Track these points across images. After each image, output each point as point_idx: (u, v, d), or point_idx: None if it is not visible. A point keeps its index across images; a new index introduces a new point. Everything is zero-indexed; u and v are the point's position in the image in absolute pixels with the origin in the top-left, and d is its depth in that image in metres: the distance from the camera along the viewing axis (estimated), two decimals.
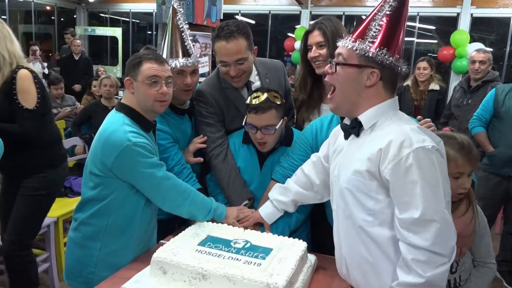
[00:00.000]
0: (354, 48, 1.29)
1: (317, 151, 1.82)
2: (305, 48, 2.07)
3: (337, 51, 1.35)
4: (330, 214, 1.81)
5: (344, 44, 1.33)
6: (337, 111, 1.42)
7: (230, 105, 2.07)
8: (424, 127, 1.60)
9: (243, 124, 1.90)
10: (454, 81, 6.52)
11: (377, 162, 1.25)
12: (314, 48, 2.00)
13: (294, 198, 1.78)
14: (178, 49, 1.92)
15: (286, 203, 1.79)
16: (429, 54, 7.75)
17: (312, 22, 2.06)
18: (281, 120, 1.88)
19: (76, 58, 7.09)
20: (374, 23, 1.30)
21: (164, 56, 1.91)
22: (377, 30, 1.29)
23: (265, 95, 1.83)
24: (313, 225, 2.04)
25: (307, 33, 2.05)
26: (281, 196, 1.79)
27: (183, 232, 1.67)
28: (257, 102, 1.82)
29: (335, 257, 1.49)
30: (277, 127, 1.84)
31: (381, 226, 1.28)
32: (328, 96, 1.39)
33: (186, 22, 1.98)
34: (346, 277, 1.43)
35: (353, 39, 1.31)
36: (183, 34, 1.94)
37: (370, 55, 1.28)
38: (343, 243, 1.40)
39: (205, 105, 2.04)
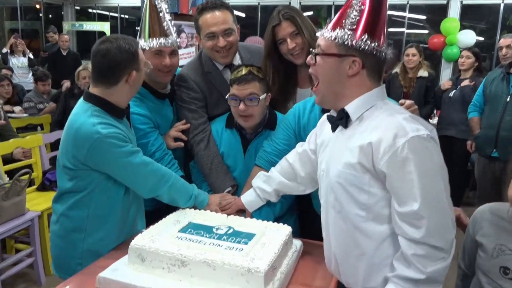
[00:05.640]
0: (333, 38, 1.23)
1: (300, 135, 1.78)
2: (274, 43, 1.97)
3: (317, 42, 1.29)
4: (316, 204, 1.77)
5: (323, 34, 1.27)
6: (322, 104, 1.37)
7: (213, 90, 2.02)
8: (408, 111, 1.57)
9: (227, 97, 1.85)
10: (445, 69, 6.50)
11: (369, 155, 1.18)
12: (288, 40, 1.91)
13: (277, 187, 1.73)
14: (155, 29, 1.85)
15: (269, 192, 1.74)
16: (421, 44, 7.71)
17: (274, 15, 1.95)
18: (265, 94, 1.84)
19: (64, 53, 7.01)
20: (352, 9, 1.22)
21: (142, 37, 1.86)
22: (355, 16, 1.22)
23: (248, 68, 1.82)
24: (300, 211, 1.99)
25: (274, 28, 1.94)
26: (264, 185, 1.74)
27: (164, 219, 1.62)
28: (240, 74, 1.80)
29: (324, 249, 1.44)
30: (261, 97, 1.81)
31: (375, 221, 1.22)
32: (313, 89, 1.34)
33: (165, 3, 1.92)
34: (335, 273, 1.38)
35: (331, 28, 1.25)
36: (160, 14, 1.88)
37: (350, 43, 1.21)
38: (332, 240, 1.34)
39: (187, 90, 1.99)
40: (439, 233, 1.13)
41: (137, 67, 1.61)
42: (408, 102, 1.64)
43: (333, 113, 1.35)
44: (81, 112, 1.57)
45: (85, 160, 1.54)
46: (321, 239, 1.50)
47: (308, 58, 1.31)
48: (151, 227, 1.54)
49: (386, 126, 1.17)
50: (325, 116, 1.44)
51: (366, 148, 1.19)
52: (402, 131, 1.14)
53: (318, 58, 1.27)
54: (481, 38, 7.41)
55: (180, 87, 2.00)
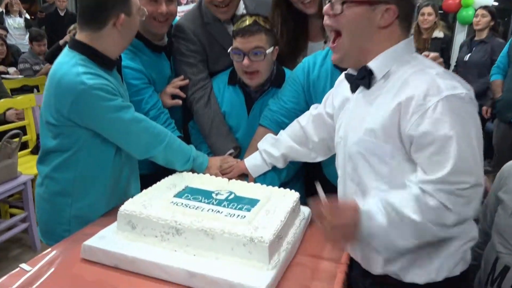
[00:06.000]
0: None
1: (309, 91, 1.60)
2: None
3: None
4: (329, 173, 1.62)
5: None
6: (342, 62, 1.16)
7: (213, 43, 1.82)
8: None
9: (229, 51, 1.67)
10: (459, 32, 6.20)
11: (396, 118, 1.01)
12: None
13: (285, 152, 1.56)
14: None
15: (276, 157, 1.57)
16: None
17: None
18: (272, 47, 1.65)
19: (62, 14, 6.72)
20: None
21: None
22: None
23: (253, 18, 1.62)
24: (307, 176, 1.83)
25: None
26: (271, 148, 1.57)
27: (158, 183, 1.47)
28: (243, 25, 1.61)
29: None
30: (267, 51, 1.62)
31: None
32: (330, 45, 1.14)
33: None
34: (352, 253, 1.22)
35: None
36: None
37: None
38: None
39: (185, 42, 1.80)
40: (473, 205, 0.99)
41: (128, 10, 1.42)
42: (433, 54, 1.44)
43: (352, 71, 1.16)
44: (65, 61, 1.39)
45: (69, 115, 1.37)
46: None
47: (326, 7, 1.11)
48: (144, 191, 1.40)
49: (416, 83, 1.00)
50: (343, 75, 1.25)
51: (392, 111, 1.01)
52: (435, 88, 0.97)
53: (344, 6, 1.06)
54: (496, 3, 7.03)
55: (177, 39, 1.81)
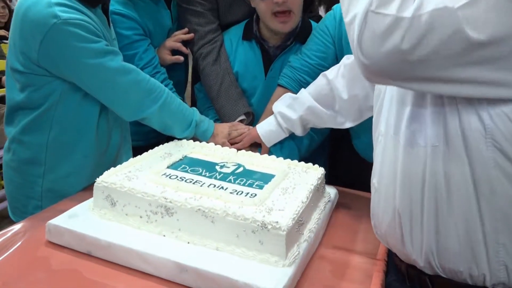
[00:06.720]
0: None
1: (340, 44, 1.31)
2: None
3: None
4: (360, 146, 1.38)
5: None
6: None
7: None
8: None
9: None
10: None
11: None
12: None
13: (304, 115, 1.27)
14: None
15: (293, 121, 1.28)
16: None
17: None
18: None
19: None
20: None
21: None
22: None
23: None
24: (332, 150, 1.56)
25: None
26: (287, 110, 1.29)
27: (150, 151, 1.20)
28: None
29: (371, 207, 0.97)
30: None
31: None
32: None
33: None
34: (386, 239, 0.87)
35: None
36: None
37: None
38: (398, 191, 0.79)
39: None
40: None
41: None
42: None
43: None
44: None
45: (38, 59, 1.10)
46: (356, 188, 1.23)
47: None
48: (130, 160, 1.13)
49: None
50: None
51: None
52: None
53: None
54: None
55: None
